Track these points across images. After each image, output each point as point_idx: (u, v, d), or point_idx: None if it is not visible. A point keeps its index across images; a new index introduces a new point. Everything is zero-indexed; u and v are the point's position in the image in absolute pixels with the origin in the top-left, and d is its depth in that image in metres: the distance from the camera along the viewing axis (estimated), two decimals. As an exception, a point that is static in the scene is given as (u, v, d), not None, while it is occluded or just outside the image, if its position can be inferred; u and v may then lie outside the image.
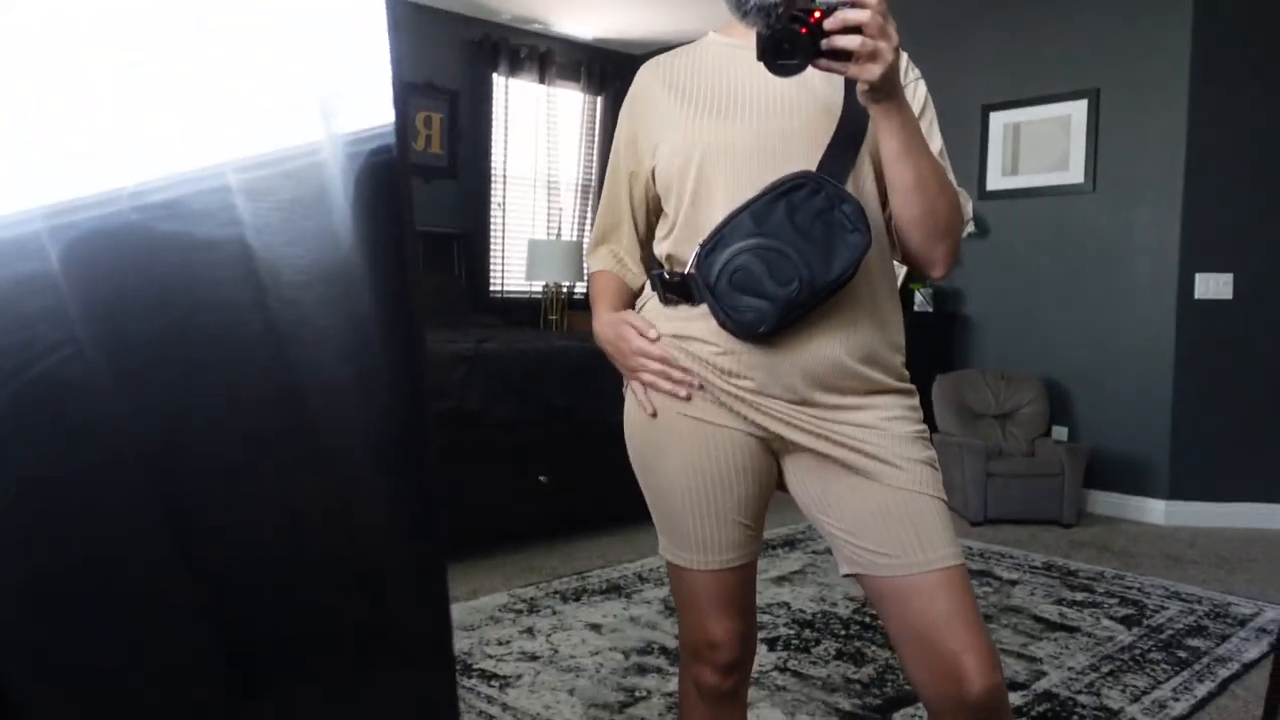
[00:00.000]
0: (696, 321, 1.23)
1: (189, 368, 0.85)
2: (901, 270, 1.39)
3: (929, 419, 4.31)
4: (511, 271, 5.97)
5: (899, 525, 1.17)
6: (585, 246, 1.49)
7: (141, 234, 0.80)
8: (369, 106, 0.92)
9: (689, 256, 1.22)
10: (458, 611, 2.80)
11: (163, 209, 0.81)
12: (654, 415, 1.26)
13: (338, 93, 0.92)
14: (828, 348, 1.19)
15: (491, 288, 5.88)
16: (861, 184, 1.20)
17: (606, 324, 1.34)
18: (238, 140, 0.86)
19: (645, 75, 1.34)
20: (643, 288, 1.38)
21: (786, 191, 1.15)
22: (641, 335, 1.27)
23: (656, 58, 1.35)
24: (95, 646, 0.86)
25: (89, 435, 0.82)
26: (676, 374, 1.24)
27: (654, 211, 1.37)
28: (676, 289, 1.24)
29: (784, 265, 1.14)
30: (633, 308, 1.36)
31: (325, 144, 0.88)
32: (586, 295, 1.44)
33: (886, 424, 1.21)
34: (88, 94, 0.80)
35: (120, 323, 0.82)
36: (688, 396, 1.24)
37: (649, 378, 1.26)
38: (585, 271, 1.44)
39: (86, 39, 0.83)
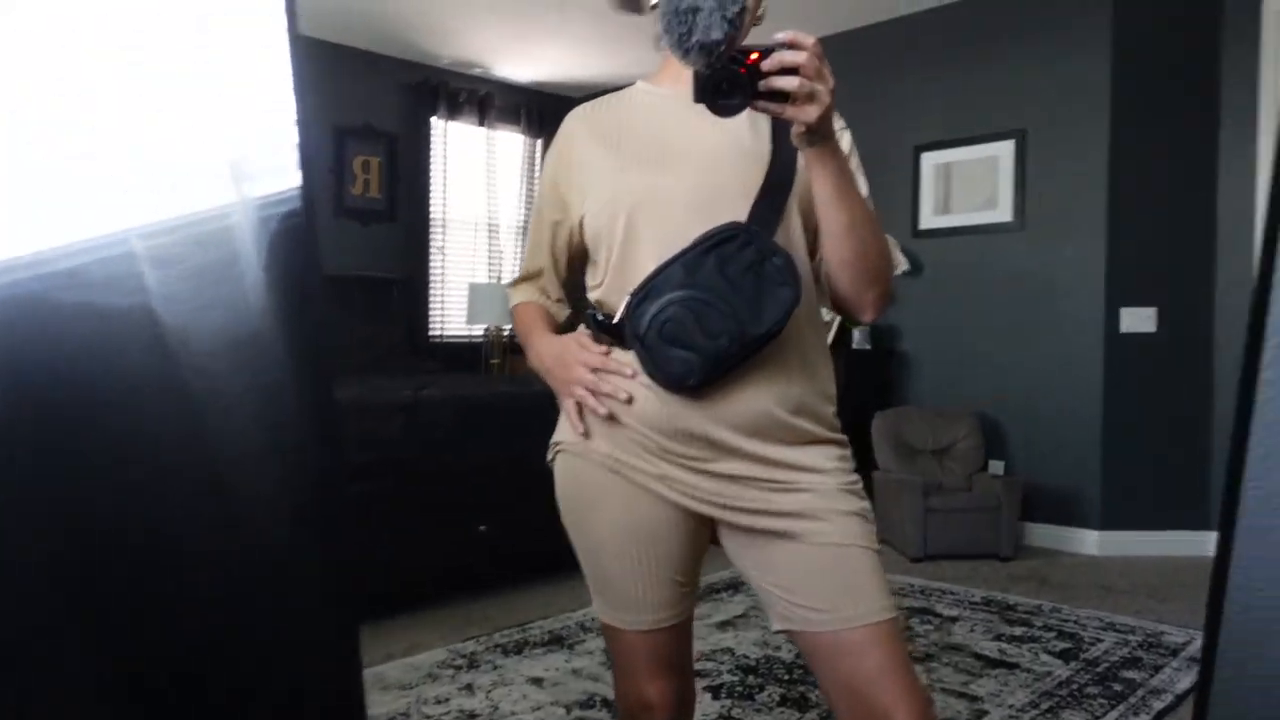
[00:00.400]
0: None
1: (94, 442, 0.82)
2: (835, 318, 1.40)
3: (869, 455, 4.37)
4: (451, 316, 5.92)
5: (830, 580, 1.16)
6: (505, 287, 1.51)
7: (41, 304, 0.77)
8: (282, 167, 0.91)
9: (619, 306, 1.22)
10: (394, 669, 2.73)
11: (64, 278, 0.79)
12: (585, 435, 1.24)
13: (249, 155, 0.90)
14: (757, 400, 1.18)
15: (431, 332, 5.83)
16: (790, 234, 1.21)
17: (550, 343, 1.32)
18: (143, 205, 0.84)
19: (572, 123, 1.34)
20: (567, 323, 1.39)
21: (718, 243, 1.15)
22: (585, 348, 1.25)
23: (583, 105, 1.35)
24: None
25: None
26: (612, 377, 1.22)
27: (577, 258, 1.37)
28: (610, 331, 1.23)
29: (714, 317, 1.14)
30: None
31: (236, 207, 0.86)
32: (513, 333, 1.43)
33: (817, 478, 1.21)
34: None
35: (18, 397, 0.79)
36: (626, 399, 1.21)
37: (581, 392, 1.23)
38: (508, 304, 1.44)
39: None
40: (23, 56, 0.80)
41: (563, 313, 1.40)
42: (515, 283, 1.43)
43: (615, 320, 1.21)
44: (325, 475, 0.86)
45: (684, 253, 1.16)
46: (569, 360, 1.26)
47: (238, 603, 0.93)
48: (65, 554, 0.83)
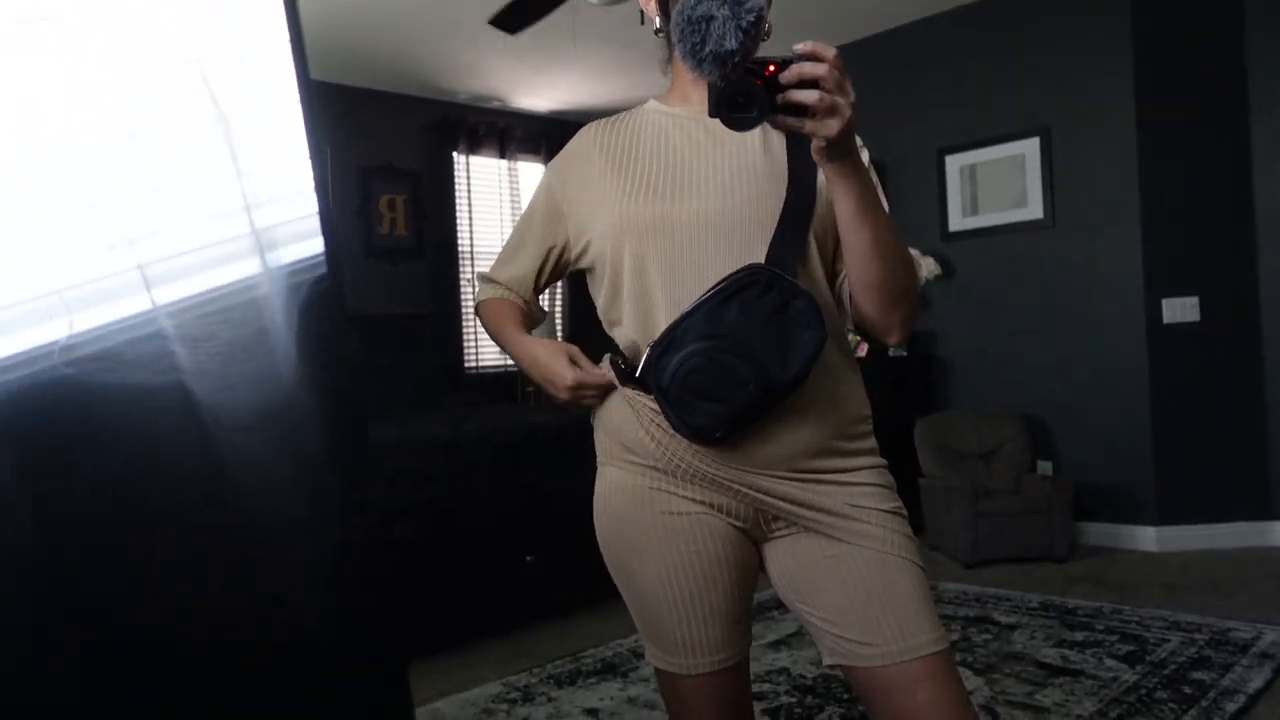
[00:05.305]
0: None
1: (131, 521, 0.82)
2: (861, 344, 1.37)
3: (913, 463, 4.30)
4: (486, 346, 5.95)
5: (878, 607, 1.14)
6: (476, 277, 1.51)
7: (75, 388, 0.78)
8: (308, 232, 0.90)
9: (635, 343, 1.21)
10: (450, 706, 2.72)
11: (96, 361, 0.79)
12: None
13: (276, 224, 0.90)
14: (785, 444, 1.16)
15: (466, 364, 5.86)
16: (809, 261, 1.18)
17: (532, 346, 1.31)
18: (170, 281, 0.84)
19: (584, 140, 1.30)
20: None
21: (738, 290, 1.11)
22: (560, 371, 1.25)
23: (596, 124, 1.31)
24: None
25: (20, 599, 0.78)
26: (590, 382, 1.24)
27: (560, 276, 1.36)
28: (631, 379, 1.19)
29: (739, 367, 1.10)
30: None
31: (263, 278, 0.86)
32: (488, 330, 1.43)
33: (861, 498, 1.18)
34: (8, 246, 0.78)
35: (55, 481, 0.79)
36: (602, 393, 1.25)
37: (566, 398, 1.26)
38: (477, 297, 1.43)
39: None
40: (42, 130, 0.81)
41: (533, 309, 1.39)
42: (486, 281, 1.40)
43: (637, 373, 1.18)
44: (361, 539, 0.86)
45: (704, 301, 1.12)
46: (549, 376, 1.27)
47: (283, 671, 0.93)
48: (109, 630, 0.83)
